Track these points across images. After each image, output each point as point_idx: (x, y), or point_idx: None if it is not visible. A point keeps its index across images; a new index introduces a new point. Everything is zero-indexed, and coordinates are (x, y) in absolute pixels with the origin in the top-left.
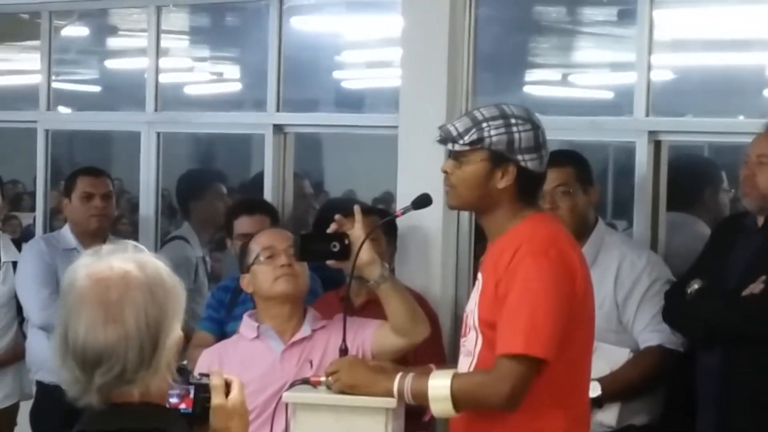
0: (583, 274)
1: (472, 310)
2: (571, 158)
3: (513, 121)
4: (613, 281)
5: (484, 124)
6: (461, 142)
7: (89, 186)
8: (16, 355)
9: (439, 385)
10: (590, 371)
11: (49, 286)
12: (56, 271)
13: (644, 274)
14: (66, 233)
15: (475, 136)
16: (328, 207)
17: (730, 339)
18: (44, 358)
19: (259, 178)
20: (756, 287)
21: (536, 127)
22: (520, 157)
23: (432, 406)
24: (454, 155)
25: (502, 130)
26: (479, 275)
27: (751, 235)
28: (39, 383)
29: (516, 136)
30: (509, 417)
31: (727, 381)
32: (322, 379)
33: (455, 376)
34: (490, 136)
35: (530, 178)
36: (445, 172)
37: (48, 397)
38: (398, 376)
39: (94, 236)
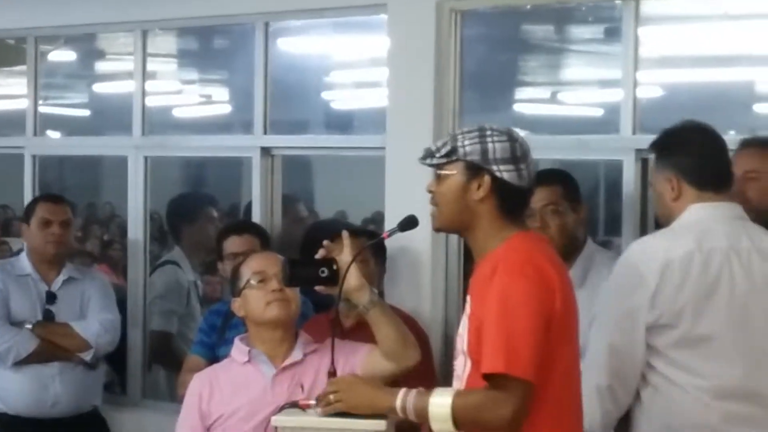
0: (564, 291)
1: (461, 333)
2: (558, 177)
3: (488, 132)
4: None
5: (459, 136)
6: (437, 155)
7: (48, 213)
8: None
9: (440, 404)
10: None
11: None
12: (7, 297)
13: None
14: (23, 259)
15: (449, 147)
16: (313, 230)
17: None
18: None
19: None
20: None
21: (513, 140)
22: (495, 167)
23: (433, 425)
24: (435, 173)
25: (476, 140)
26: (468, 297)
27: None
28: None
29: (490, 146)
30: None
31: None
32: (312, 402)
33: (457, 395)
34: (463, 146)
35: (508, 191)
36: (430, 191)
37: (5, 428)
38: (401, 392)
39: (50, 263)
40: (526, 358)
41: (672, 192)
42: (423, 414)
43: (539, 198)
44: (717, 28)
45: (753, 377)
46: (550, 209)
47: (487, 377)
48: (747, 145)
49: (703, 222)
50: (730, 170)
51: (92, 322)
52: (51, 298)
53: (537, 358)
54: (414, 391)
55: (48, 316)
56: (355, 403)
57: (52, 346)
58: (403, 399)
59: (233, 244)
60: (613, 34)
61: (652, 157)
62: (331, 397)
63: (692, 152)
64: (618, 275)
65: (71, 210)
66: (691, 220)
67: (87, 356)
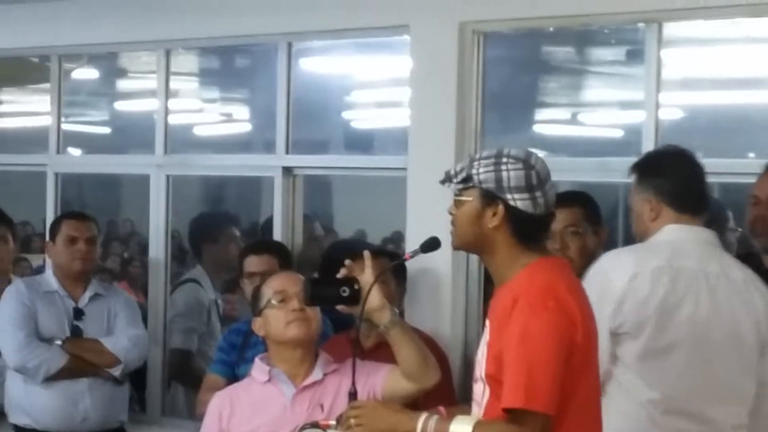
0: (585, 320)
1: (479, 360)
2: (579, 199)
3: (504, 159)
4: None
5: (476, 163)
6: (455, 180)
7: (74, 230)
8: None
9: (460, 431)
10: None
11: (25, 328)
12: (35, 313)
13: None
14: (48, 276)
15: (464, 174)
16: (334, 249)
17: None
18: (20, 401)
19: (270, 223)
20: None
21: (530, 168)
22: (509, 196)
23: None
24: (455, 196)
25: (491, 168)
26: (487, 323)
27: (758, 276)
28: (15, 426)
29: (504, 174)
30: None
31: None
32: (332, 422)
33: (477, 425)
34: (478, 174)
35: (522, 219)
36: (450, 213)
37: None
38: (422, 418)
39: (76, 280)
40: (546, 391)
41: (651, 212)
42: None
43: (560, 219)
44: (739, 51)
45: (703, 396)
46: (571, 231)
47: (507, 410)
48: None
49: (677, 242)
50: (707, 195)
51: (121, 337)
52: (78, 314)
53: (557, 390)
54: (435, 417)
55: (76, 333)
56: (376, 428)
57: (81, 362)
58: (424, 424)
59: (251, 263)
60: (634, 56)
61: (633, 177)
62: (353, 420)
63: (673, 176)
64: (588, 282)
65: (96, 227)
66: (666, 239)
67: (116, 372)
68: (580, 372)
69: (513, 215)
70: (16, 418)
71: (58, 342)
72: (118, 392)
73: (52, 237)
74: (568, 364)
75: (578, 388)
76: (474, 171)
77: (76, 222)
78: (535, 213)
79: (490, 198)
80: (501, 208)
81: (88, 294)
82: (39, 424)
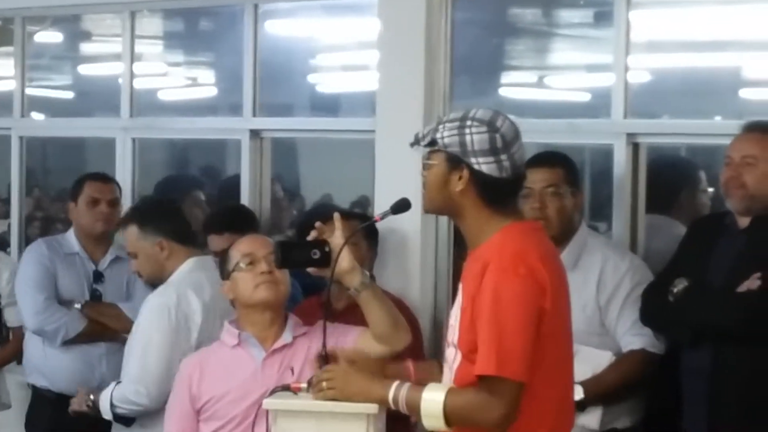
0: (555, 288)
1: (452, 325)
2: (561, 159)
3: (468, 123)
4: (595, 284)
5: (441, 126)
6: (422, 144)
7: (96, 191)
8: None
9: (432, 400)
10: (572, 383)
11: (45, 291)
12: (55, 274)
13: (627, 278)
14: (70, 237)
15: (429, 138)
16: (312, 213)
17: (723, 337)
18: (38, 363)
19: (233, 181)
20: (753, 284)
21: (494, 130)
22: (473, 160)
23: (424, 420)
24: (423, 159)
25: (455, 131)
26: (460, 287)
27: (734, 237)
28: (32, 387)
29: (468, 138)
30: None
31: (719, 381)
32: (303, 385)
33: (449, 393)
34: (443, 138)
35: (488, 183)
36: (423, 175)
37: (39, 400)
38: (394, 385)
39: (97, 242)
40: (518, 358)
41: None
42: (415, 408)
43: (540, 179)
44: (707, 14)
45: None
46: (551, 191)
47: (479, 377)
48: (749, 129)
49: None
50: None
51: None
52: (98, 277)
53: (528, 356)
54: (407, 385)
55: (95, 296)
56: (348, 393)
57: (100, 326)
58: (396, 391)
59: (213, 242)
60: (602, 18)
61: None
62: (324, 384)
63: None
64: None
65: (118, 189)
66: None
67: None
68: (546, 338)
69: (478, 179)
70: (34, 378)
71: (77, 306)
72: None
73: (74, 198)
74: (538, 331)
75: (545, 355)
76: (438, 135)
77: (99, 183)
78: (501, 176)
79: (455, 162)
80: (466, 172)
81: (108, 257)
82: (55, 386)
